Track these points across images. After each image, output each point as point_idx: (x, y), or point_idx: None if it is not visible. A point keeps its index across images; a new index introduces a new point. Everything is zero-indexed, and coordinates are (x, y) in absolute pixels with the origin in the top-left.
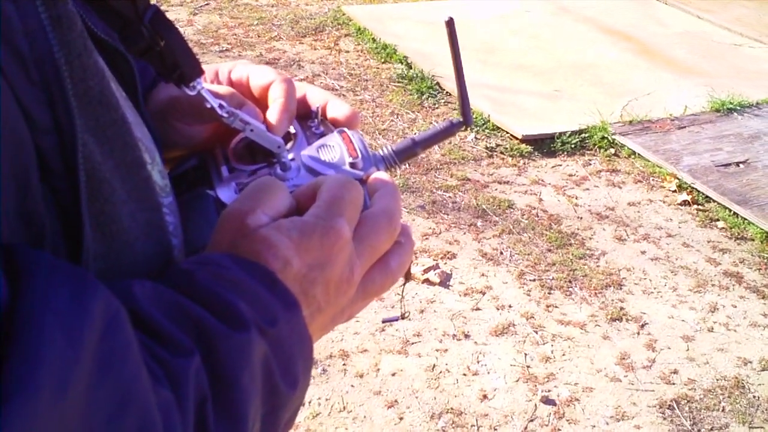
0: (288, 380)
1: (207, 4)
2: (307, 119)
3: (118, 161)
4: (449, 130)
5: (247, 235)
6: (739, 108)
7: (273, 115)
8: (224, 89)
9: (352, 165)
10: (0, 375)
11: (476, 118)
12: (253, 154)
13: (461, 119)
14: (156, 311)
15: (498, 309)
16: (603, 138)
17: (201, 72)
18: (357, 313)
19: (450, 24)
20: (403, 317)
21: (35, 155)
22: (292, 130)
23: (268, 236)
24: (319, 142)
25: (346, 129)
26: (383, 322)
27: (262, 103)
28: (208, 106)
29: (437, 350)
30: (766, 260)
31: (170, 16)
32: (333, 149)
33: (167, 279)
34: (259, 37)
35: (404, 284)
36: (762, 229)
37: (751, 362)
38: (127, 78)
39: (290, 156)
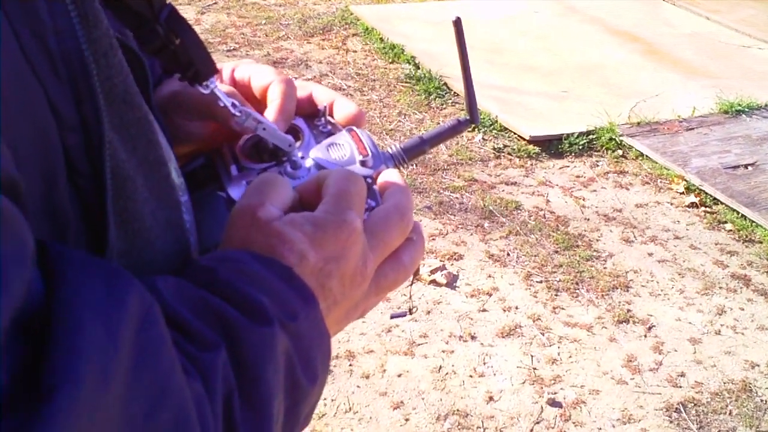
0: (308, 374)
1: (214, 3)
2: (314, 118)
3: (140, 159)
4: (457, 128)
5: (261, 229)
6: (747, 110)
7: (270, 116)
8: (226, 89)
9: (363, 163)
10: (43, 367)
11: (483, 118)
12: (260, 153)
13: (468, 117)
14: (181, 306)
15: (504, 310)
16: (611, 139)
17: (215, 71)
18: (370, 308)
19: (457, 23)
20: (410, 312)
21: (62, 153)
22: (300, 129)
23: (282, 231)
24: (329, 140)
25: (354, 127)
26: (391, 317)
27: (263, 103)
28: (221, 104)
29: (443, 351)
30: None
31: None
32: (343, 147)
33: (188, 276)
34: (266, 36)
35: (412, 283)
36: None
37: (758, 365)
38: (139, 77)
39: (300, 154)
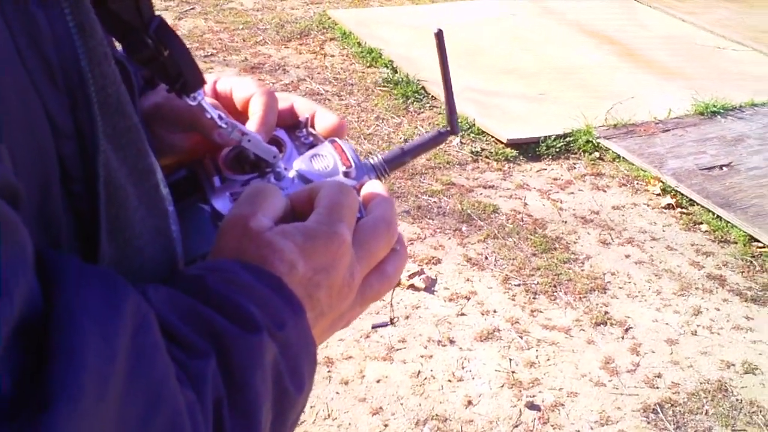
0: (295, 382)
1: (192, 9)
2: (296, 129)
3: (131, 168)
4: (437, 139)
5: (253, 239)
6: (722, 111)
7: (252, 127)
8: (209, 101)
9: (346, 174)
10: (43, 374)
11: (461, 122)
12: (242, 164)
13: (449, 128)
14: (171, 315)
15: (483, 314)
16: (587, 142)
17: (203, 82)
18: (354, 318)
19: (439, 35)
20: (392, 322)
21: (57, 161)
22: (282, 140)
23: (273, 240)
24: (312, 152)
25: (336, 138)
26: (373, 327)
27: (245, 115)
28: (208, 116)
29: (422, 356)
30: (748, 263)
31: None
32: (326, 159)
33: (178, 284)
34: (244, 41)
35: (392, 291)
36: (745, 232)
37: (734, 365)
38: (126, 87)
39: (282, 165)
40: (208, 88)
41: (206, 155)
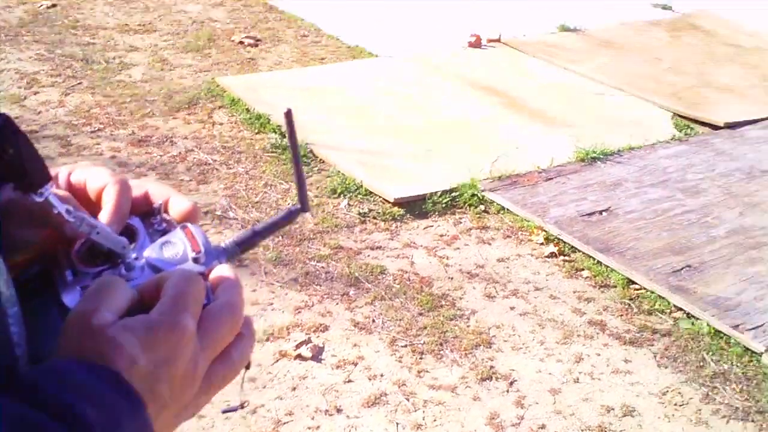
0: None
1: (79, 84)
2: (150, 216)
3: None
4: (288, 218)
5: (94, 336)
6: (602, 156)
7: (104, 218)
8: (61, 194)
9: (195, 260)
10: None
11: (349, 184)
12: (95, 256)
13: (299, 206)
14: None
15: (370, 379)
16: (473, 195)
17: (49, 178)
18: (201, 407)
19: (288, 115)
20: (242, 407)
21: None
22: (136, 228)
23: (114, 336)
24: (163, 239)
25: (188, 224)
26: (223, 412)
27: (99, 205)
28: (56, 211)
29: (309, 428)
30: (627, 306)
31: (41, 97)
32: (176, 245)
33: (12, 390)
34: (131, 114)
35: (244, 376)
36: (623, 275)
37: (613, 409)
38: None
39: (134, 255)
40: (62, 179)
41: (61, 249)
